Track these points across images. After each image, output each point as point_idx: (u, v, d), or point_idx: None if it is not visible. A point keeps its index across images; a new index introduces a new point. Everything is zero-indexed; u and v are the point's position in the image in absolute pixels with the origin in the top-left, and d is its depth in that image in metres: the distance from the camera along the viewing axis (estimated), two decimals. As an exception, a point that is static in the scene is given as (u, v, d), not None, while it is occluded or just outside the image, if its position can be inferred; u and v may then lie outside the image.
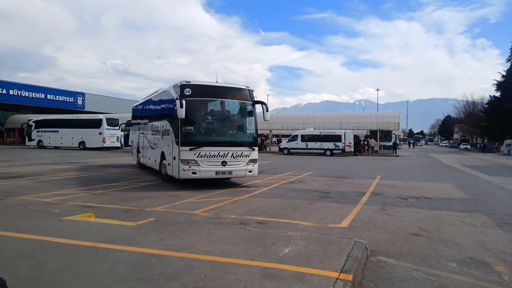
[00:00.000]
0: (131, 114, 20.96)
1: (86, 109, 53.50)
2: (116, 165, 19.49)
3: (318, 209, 8.29)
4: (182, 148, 10.48)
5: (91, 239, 5.25)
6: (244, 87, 11.61)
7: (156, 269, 4.11)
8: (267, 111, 11.55)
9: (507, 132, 52.64)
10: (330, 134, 34.37)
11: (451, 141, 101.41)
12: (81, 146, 37.86)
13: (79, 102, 53.50)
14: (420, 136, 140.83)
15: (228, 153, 10.96)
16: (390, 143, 41.86)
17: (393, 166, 22.70)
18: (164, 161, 12.25)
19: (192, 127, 10.71)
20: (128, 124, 22.45)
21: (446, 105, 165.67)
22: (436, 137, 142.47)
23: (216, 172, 10.85)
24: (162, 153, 12.47)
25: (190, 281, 3.77)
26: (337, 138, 33.98)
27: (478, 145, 65.53)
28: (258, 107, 11.75)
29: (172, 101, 11.17)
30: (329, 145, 33.91)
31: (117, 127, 37.08)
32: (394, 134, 43.73)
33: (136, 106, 19.40)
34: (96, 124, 37.29)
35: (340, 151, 34.07)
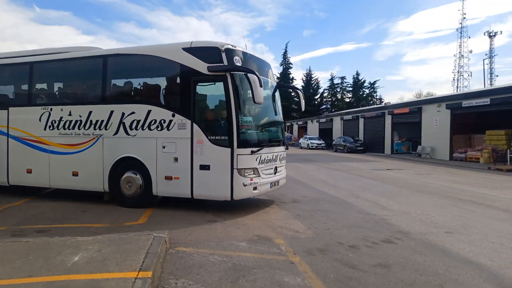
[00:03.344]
0: None
1: None
2: None
3: (112, 208, 7.70)
4: (240, 150, 6.85)
5: None
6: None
7: None
8: (304, 98, 9.08)
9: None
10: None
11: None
12: None
13: None
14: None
15: (278, 155, 8.04)
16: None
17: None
18: (130, 175, 7.63)
19: (251, 119, 7.32)
20: None
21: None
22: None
23: (271, 184, 7.72)
24: (120, 162, 7.73)
25: None
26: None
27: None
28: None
29: (174, 72, 7.46)
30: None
31: None
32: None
33: None
34: None
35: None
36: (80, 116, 8.12)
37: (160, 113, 7.42)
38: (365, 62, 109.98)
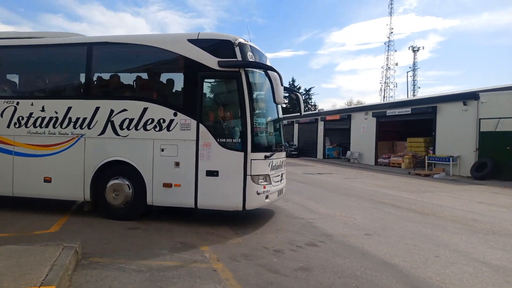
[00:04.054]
0: None
1: None
2: None
3: (21, 216, 6.98)
4: (254, 155, 6.20)
5: None
6: None
7: None
8: (304, 102, 8.09)
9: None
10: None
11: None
12: None
13: None
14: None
15: (282, 161, 7.43)
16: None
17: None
18: (119, 181, 6.71)
19: (264, 120, 6.74)
20: None
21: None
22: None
23: (278, 192, 7.12)
24: (107, 167, 6.76)
25: None
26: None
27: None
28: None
29: (176, 66, 6.81)
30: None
31: None
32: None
33: None
34: None
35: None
36: (56, 113, 6.99)
37: (158, 112, 6.59)
38: (301, 69, 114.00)
